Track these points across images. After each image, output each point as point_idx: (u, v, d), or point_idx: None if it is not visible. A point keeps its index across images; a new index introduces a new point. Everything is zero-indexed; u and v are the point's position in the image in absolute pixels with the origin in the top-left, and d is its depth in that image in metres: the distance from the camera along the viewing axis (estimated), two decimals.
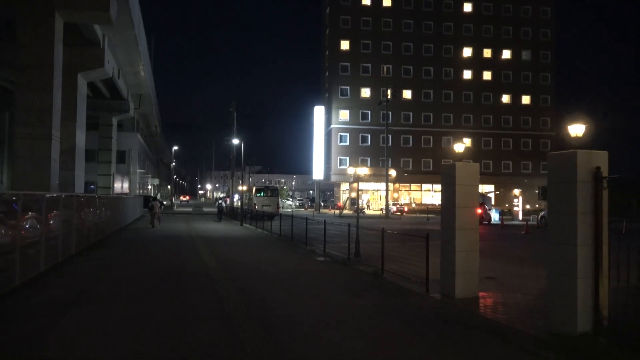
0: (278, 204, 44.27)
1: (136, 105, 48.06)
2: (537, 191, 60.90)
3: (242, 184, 47.18)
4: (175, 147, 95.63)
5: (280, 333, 6.44)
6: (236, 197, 45.73)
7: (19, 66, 21.85)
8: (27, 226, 10.95)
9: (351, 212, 54.40)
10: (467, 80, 71.72)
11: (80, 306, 7.94)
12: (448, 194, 8.64)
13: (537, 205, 61.74)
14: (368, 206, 64.37)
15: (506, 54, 73.12)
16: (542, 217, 33.74)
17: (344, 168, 67.56)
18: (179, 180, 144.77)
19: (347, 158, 68.33)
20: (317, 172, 69.82)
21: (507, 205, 54.04)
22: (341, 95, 69.59)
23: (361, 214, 14.97)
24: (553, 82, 74.29)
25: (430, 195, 70.77)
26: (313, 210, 62.74)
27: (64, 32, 23.20)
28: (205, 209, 57.08)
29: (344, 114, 69.64)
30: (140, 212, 38.26)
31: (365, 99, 69.44)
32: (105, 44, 28.59)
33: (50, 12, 21.63)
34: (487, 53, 72.66)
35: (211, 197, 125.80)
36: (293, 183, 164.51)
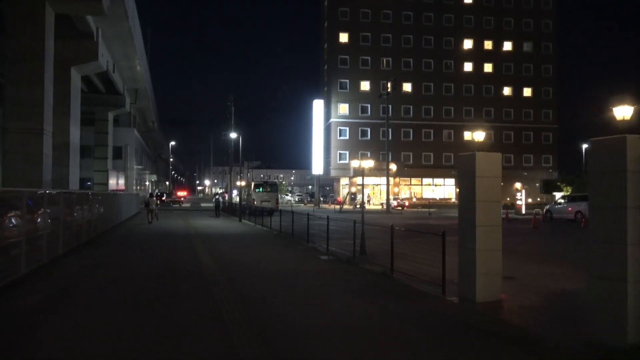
0: (277, 199, 43.52)
1: (132, 100, 47.26)
2: (538, 185, 60.55)
3: (241, 180, 46.49)
4: (173, 143, 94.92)
5: (281, 344, 5.72)
6: (235, 192, 45.03)
7: (9, 59, 21.29)
8: (10, 225, 10.21)
9: (351, 207, 53.67)
10: (468, 73, 70.77)
11: (59, 313, 7.24)
12: (467, 187, 7.86)
13: (538, 199, 61.14)
14: (368, 201, 63.55)
15: (507, 46, 72.13)
16: (547, 210, 33.12)
17: (343, 162, 66.78)
18: (177, 177, 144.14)
19: (347, 152, 67.44)
20: (317, 167, 69.01)
21: (508, 199, 53.36)
22: (340, 88, 68.59)
23: (361, 209, 14.23)
24: (555, 74, 73.44)
25: (431, 189, 70.09)
26: (313, 205, 62.01)
27: (57, 24, 22.66)
28: (203, 205, 56.60)
29: (344, 108, 68.66)
30: (137, 209, 37.62)
31: (365, 92, 68.49)
32: (99, 37, 27.89)
33: (41, 3, 21.04)
34: (488, 45, 71.67)
35: (209, 192, 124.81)
36: (292, 178, 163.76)
